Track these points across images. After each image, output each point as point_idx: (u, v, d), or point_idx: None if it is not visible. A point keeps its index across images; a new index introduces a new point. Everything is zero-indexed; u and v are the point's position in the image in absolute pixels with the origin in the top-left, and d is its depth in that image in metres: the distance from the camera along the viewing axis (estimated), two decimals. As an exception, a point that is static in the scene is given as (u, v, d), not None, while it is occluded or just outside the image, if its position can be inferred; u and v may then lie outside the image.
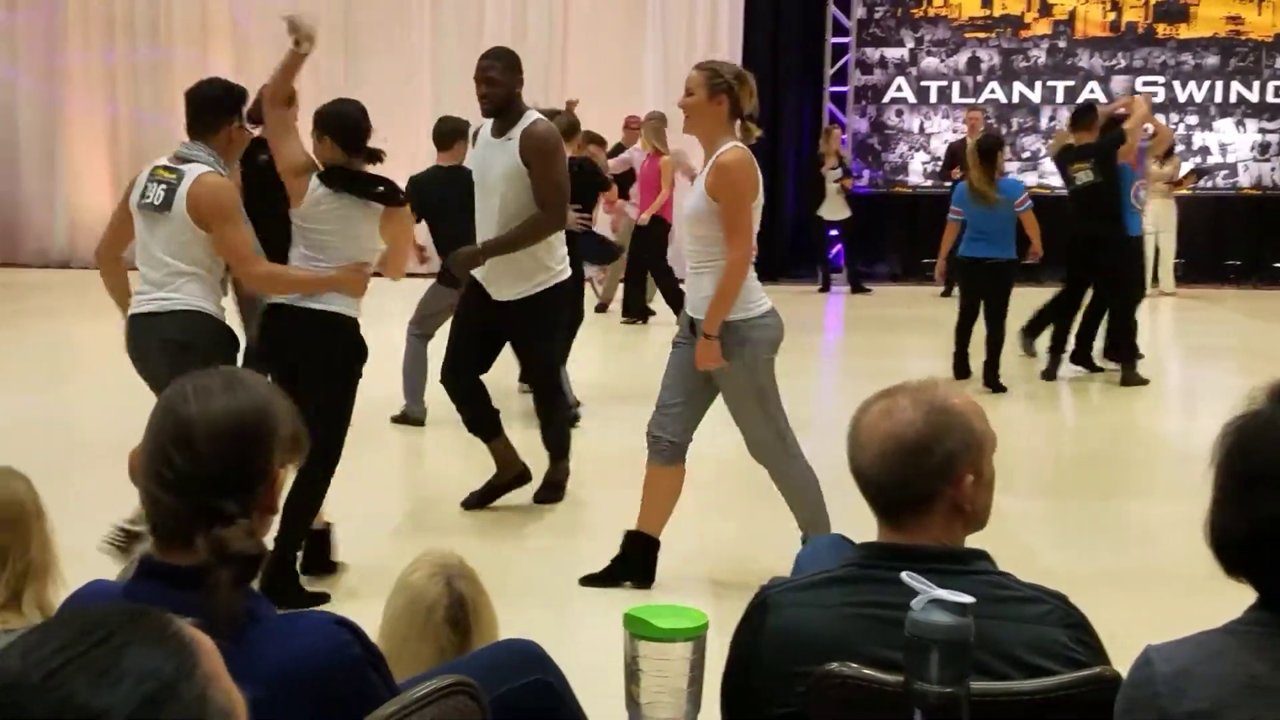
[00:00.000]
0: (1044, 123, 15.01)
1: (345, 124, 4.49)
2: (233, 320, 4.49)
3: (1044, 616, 1.90)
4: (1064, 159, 9.07)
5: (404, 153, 14.63)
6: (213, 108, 4.39)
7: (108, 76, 15.06)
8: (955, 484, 1.93)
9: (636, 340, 10.95)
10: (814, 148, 14.38)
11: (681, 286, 5.22)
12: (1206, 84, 14.88)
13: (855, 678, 1.81)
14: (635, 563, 4.55)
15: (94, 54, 15.06)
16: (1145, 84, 14.83)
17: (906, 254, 15.28)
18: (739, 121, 4.39)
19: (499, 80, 5.10)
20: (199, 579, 1.65)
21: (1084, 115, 9.17)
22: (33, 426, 6.65)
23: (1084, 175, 8.72)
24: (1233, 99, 14.91)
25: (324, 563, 4.66)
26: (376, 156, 4.58)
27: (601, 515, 4.87)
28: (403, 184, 5.26)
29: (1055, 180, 14.78)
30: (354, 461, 6.31)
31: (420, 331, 7.07)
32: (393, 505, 5.76)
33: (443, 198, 6.67)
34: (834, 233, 14.12)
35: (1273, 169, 15.00)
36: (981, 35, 15.04)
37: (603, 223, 10.65)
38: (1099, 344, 9.27)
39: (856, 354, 10.53)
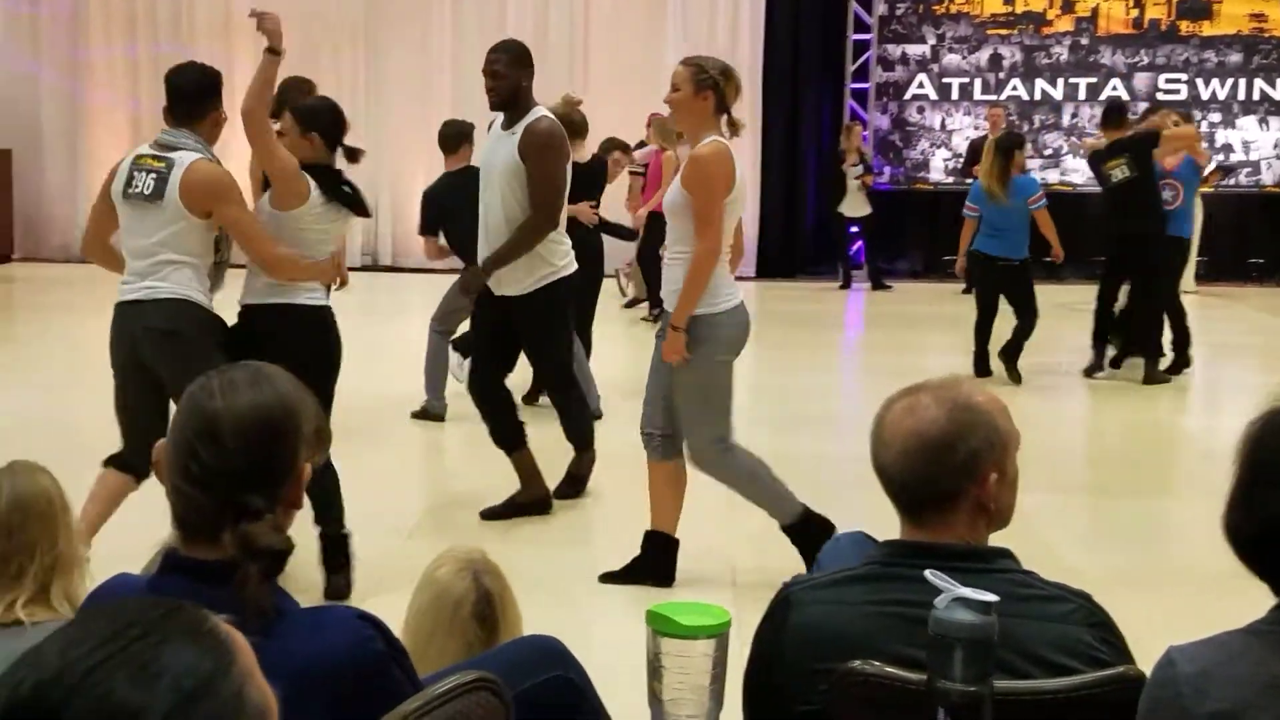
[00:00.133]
0: (1066, 120, 14.95)
1: (333, 122, 4.50)
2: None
3: (1068, 615, 1.89)
4: (1096, 159, 9.01)
5: (423, 151, 14.75)
6: (196, 93, 4.35)
7: (130, 71, 15.13)
8: (979, 482, 1.93)
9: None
10: (835, 144, 14.35)
11: None
12: (1229, 81, 14.79)
13: (878, 676, 1.81)
14: (655, 562, 4.55)
15: (116, 48, 15.12)
16: (1168, 81, 14.76)
17: (927, 251, 15.24)
18: (724, 117, 4.41)
19: (504, 73, 5.07)
20: (224, 573, 1.66)
21: (1114, 113, 9.11)
22: (54, 421, 6.68)
23: (1119, 172, 8.64)
24: (1256, 96, 14.81)
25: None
26: (355, 156, 4.60)
27: (622, 512, 4.87)
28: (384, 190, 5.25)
29: (1078, 178, 14.78)
30: (373, 457, 6.36)
31: (442, 328, 7.10)
32: (411, 501, 5.77)
33: (455, 201, 6.69)
34: (855, 229, 14.09)
35: (1296, 167, 14.91)
36: (1004, 32, 14.99)
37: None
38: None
39: (877, 351, 10.51)
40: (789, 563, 4.24)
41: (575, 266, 5.33)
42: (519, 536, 5.07)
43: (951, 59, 15.05)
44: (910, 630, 1.80)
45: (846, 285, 13.97)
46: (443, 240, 7.00)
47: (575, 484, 5.59)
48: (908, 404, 1.96)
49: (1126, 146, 8.65)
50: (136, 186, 4.25)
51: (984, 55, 15.00)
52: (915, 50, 15.11)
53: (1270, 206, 14.92)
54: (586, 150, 7.83)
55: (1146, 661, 1.77)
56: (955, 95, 15.07)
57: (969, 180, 13.59)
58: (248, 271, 4.46)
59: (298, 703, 1.26)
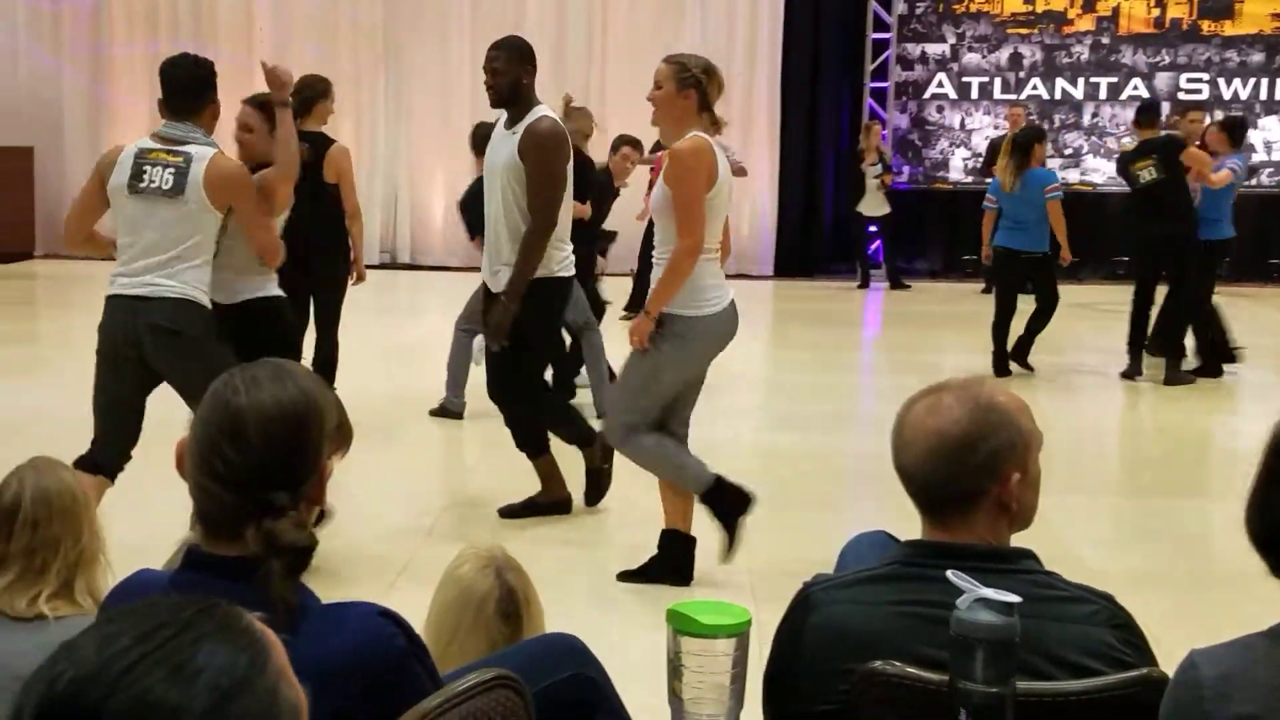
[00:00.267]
0: (1086, 119, 14.90)
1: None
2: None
3: (1091, 617, 1.88)
4: (1125, 160, 8.98)
5: (442, 152, 14.79)
6: (195, 86, 4.34)
7: (151, 68, 15.16)
8: (1001, 482, 1.92)
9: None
10: (854, 144, 14.34)
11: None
12: (1251, 81, 14.71)
13: (899, 676, 1.81)
14: (672, 561, 4.55)
15: (138, 45, 15.17)
16: (1189, 81, 14.69)
17: (946, 250, 15.20)
18: (707, 115, 4.42)
19: (502, 70, 4.98)
20: (246, 570, 1.66)
21: (1147, 112, 9.06)
22: (75, 419, 6.70)
23: (1147, 174, 8.61)
24: (1278, 96, 14.74)
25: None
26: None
27: (640, 510, 4.87)
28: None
29: (1097, 177, 14.73)
30: (391, 454, 6.37)
31: (467, 327, 7.11)
32: (431, 499, 5.77)
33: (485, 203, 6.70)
34: (873, 229, 14.07)
35: (1319, 167, 14.83)
36: (1024, 31, 14.94)
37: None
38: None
39: (895, 350, 10.49)
40: (809, 560, 4.23)
41: (571, 272, 5.17)
42: (537, 535, 5.07)
43: (971, 58, 15.01)
44: (932, 631, 1.80)
45: (865, 284, 13.95)
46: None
47: (594, 484, 5.45)
48: (929, 403, 1.96)
49: (1155, 148, 8.62)
50: (151, 181, 4.21)
51: (1004, 54, 14.96)
52: (935, 49, 15.07)
53: (1292, 207, 14.85)
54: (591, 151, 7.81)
55: (1169, 664, 1.77)
56: (975, 94, 15.03)
57: (988, 180, 13.58)
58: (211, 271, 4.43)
59: (319, 698, 1.26)
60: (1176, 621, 3.86)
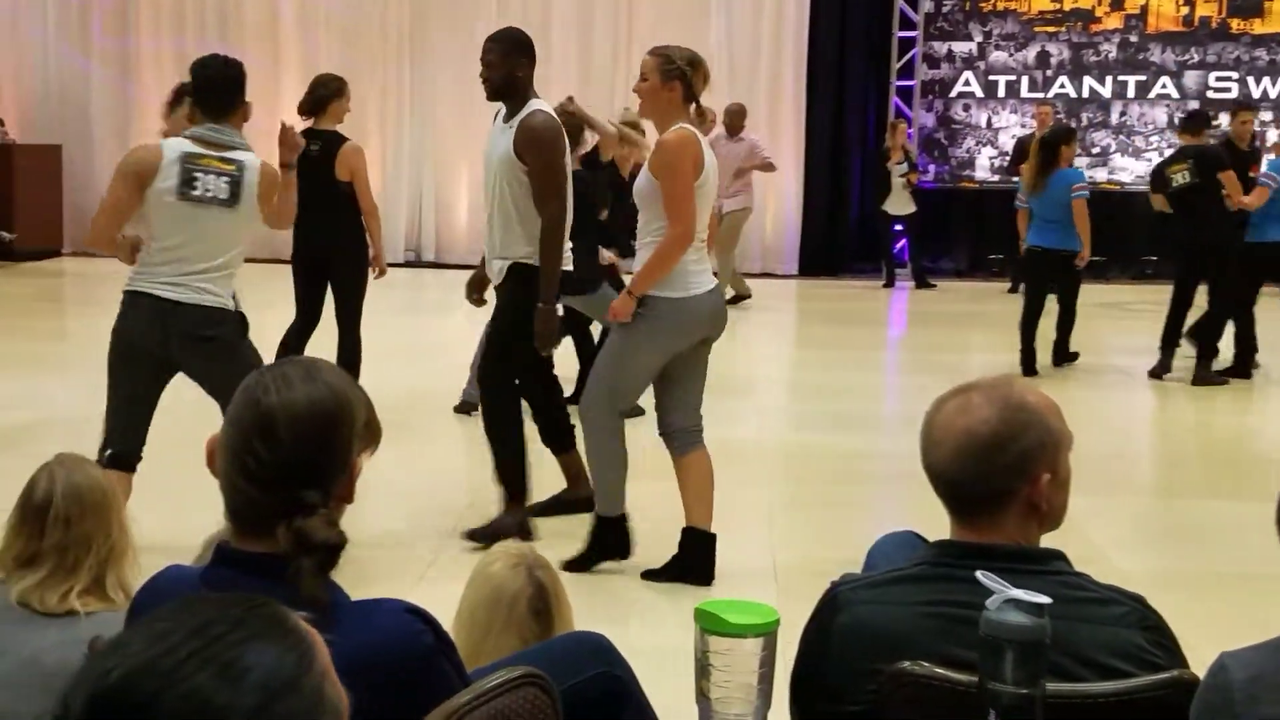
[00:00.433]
0: (1114, 118, 14.82)
1: None
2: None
3: (1121, 618, 1.87)
4: (1160, 167, 9.01)
5: (466, 153, 14.81)
6: (231, 86, 4.34)
7: (179, 66, 15.24)
8: (1031, 482, 1.91)
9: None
10: (879, 142, 14.29)
11: None
12: (1281, 79, 14.62)
13: (928, 677, 1.80)
14: (693, 559, 4.55)
15: (165, 42, 15.24)
16: (1218, 79, 14.59)
17: (972, 249, 15.15)
18: (693, 106, 4.48)
19: (495, 63, 4.94)
20: (276, 567, 1.67)
21: (1194, 120, 9.07)
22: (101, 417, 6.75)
23: (1180, 176, 8.59)
24: (1309, 95, 14.64)
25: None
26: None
27: (665, 507, 4.86)
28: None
29: (1125, 176, 14.65)
30: (415, 452, 6.39)
31: None
32: (456, 496, 5.78)
33: None
34: (899, 228, 14.03)
35: (1349, 166, 14.69)
36: (1051, 29, 14.86)
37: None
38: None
39: (921, 350, 10.46)
40: (835, 559, 4.22)
41: (568, 266, 5.03)
42: (561, 532, 5.06)
43: (998, 56, 14.94)
44: (960, 631, 1.79)
45: (890, 284, 13.90)
46: None
47: (484, 532, 4.89)
48: (959, 403, 1.95)
49: (1191, 154, 8.61)
50: (206, 189, 4.20)
51: (1031, 52, 14.89)
52: (961, 47, 15.01)
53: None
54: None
55: (1199, 666, 1.76)
56: (1002, 93, 14.96)
57: (1014, 179, 13.53)
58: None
59: (347, 694, 1.26)
60: (1207, 623, 3.83)
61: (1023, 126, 14.51)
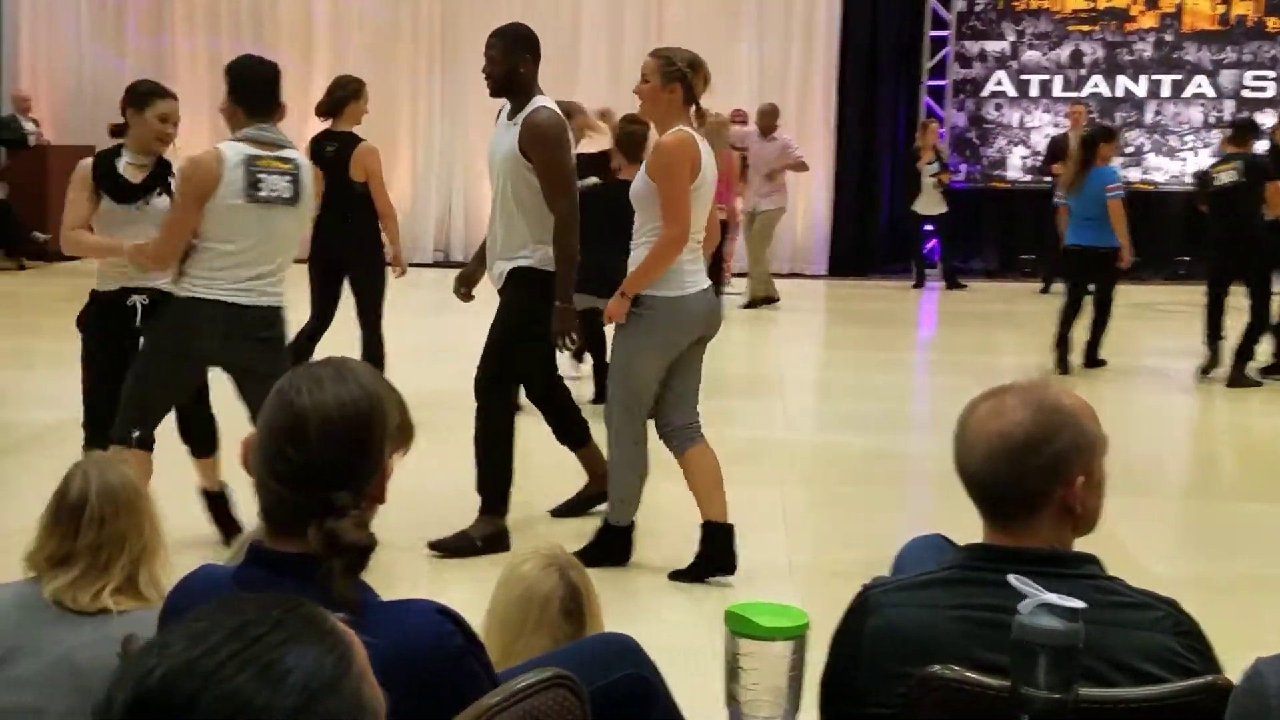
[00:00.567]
0: (1149, 117, 14.71)
1: None
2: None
3: (1155, 623, 1.86)
4: (1206, 171, 9.01)
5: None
6: (276, 87, 4.36)
7: (213, 67, 15.34)
8: (1066, 485, 1.89)
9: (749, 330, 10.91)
10: (910, 142, 14.24)
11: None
12: (1318, 79, 14.48)
13: (959, 681, 1.79)
14: (716, 552, 4.56)
15: (200, 42, 15.33)
16: (1254, 78, 14.46)
17: (1003, 250, 15.07)
18: (693, 108, 4.49)
19: (497, 59, 4.86)
20: (308, 567, 1.68)
21: (1242, 129, 9.07)
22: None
23: (1226, 175, 8.56)
24: (1346, 94, 14.49)
25: (229, 523, 4.75)
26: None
27: (690, 509, 4.85)
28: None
29: (1159, 176, 14.54)
30: (441, 451, 6.38)
31: None
32: (477, 496, 5.78)
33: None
34: (929, 228, 13.97)
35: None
36: (1085, 28, 14.76)
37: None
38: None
39: (951, 351, 10.41)
40: (864, 560, 4.21)
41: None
42: (583, 533, 5.03)
43: (1031, 55, 14.86)
44: (992, 635, 1.78)
45: (920, 284, 13.85)
46: None
47: (457, 544, 4.86)
48: (993, 405, 1.93)
49: (1241, 159, 8.61)
50: (273, 190, 4.21)
51: (1065, 52, 14.79)
52: (994, 47, 14.93)
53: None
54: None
55: (1233, 672, 1.74)
56: (1035, 92, 14.88)
57: (1047, 179, 13.46)
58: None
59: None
60: (1242, 628, 3.79)
61: (1056, 126, 14.42)
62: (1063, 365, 8.73)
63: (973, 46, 14.96)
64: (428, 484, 4.57)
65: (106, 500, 2.34)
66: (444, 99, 15.01)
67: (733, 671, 1.86)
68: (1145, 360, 9.52)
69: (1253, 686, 1.61)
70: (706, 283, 4.58)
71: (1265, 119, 11.58)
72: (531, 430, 5.47)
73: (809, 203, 14.60)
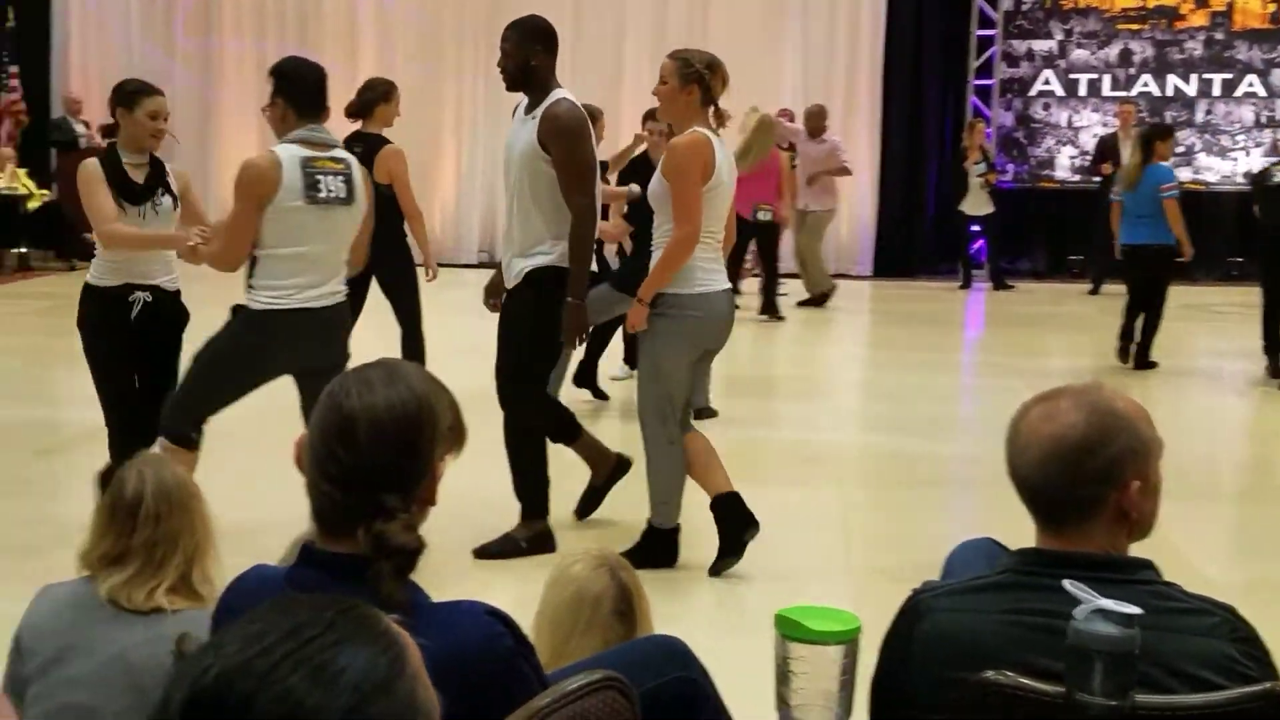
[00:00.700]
0: (1199, 116, 14.54)
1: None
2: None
3: (1212, 629, 1.83)
4: (1261, 171, 9.02)
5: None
6: (324, 89, 4.37)
7: (259, 69, 15.48)
8: (1121, 489, 1.87)
9: (770, 334, 10.89)
10: (957, 142, 14.15)
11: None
12: (1372, 77, 14.28)
13: (1013, 687, 1.77)
14: (731, 522, 4.57)
15: (247, 43, 15.46)
16: (1307, 76, 14.28)
17: (1051, 250, 14.95)
18: (712, 109, 4.52)
19: (510, 51, 4.78)
20: (359, 568, 1.68)
21: None
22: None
23: None
24: (1400, 92, 14.29)
25: None
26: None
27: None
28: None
29: (1211, 176, 14.38)
30: (485, 450, 6.37)
31: None
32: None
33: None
34: (976, 228, 13.88)
35: None
36: (1134, 27, 14.62)
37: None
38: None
39: (999, 352, 10.33)
40: (910, 567, 4.18)
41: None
42: (619, 536, 4.99)
43: (1080, 54, 14.73)
44: (1047, 641, 1.76)
45: (967, 285, 13.76)
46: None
47: (498, 547, 4.87)
48: (1046, 409, 1.91)
49: None
50: (329, 191, 4.22)
51: (1114, 50, 14.66)
52: (1041, 46, 14.82)
53: None
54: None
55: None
56: (1083, 91, 14.75)
57: (1096, 179, 13.34)
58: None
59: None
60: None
61: (1105, 126, 14.29)
62: (1124, 355, 8.85)
63: (1020, 45, 14.85)
64: (479, 485, 4.57)
65: (162, 499, 2.35)
66: (488, 101, 15.06)
67: (783, 675, 1.85)
68: (1198, 361, 9.41)
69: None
70: (727, 284, 4.58)
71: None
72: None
73: (855, 203, 14.53)
